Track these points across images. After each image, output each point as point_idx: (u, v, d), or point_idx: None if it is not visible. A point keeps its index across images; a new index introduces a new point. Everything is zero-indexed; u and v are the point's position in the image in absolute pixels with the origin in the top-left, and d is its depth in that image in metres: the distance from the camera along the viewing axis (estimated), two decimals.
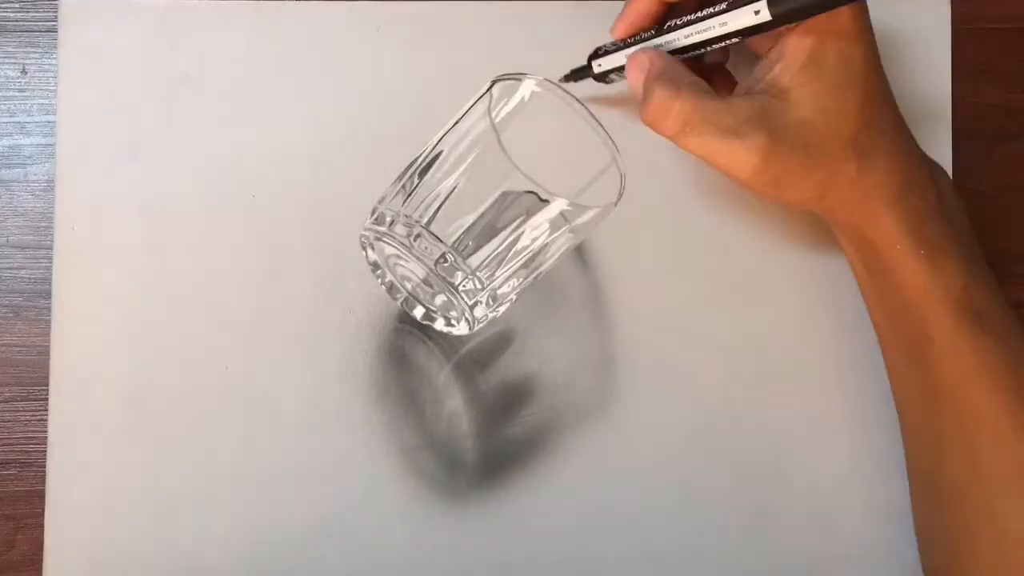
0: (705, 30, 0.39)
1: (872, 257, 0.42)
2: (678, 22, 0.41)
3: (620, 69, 0.43)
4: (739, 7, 0.38)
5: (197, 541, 0.46)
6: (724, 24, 0.39)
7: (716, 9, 0.39)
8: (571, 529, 0.47)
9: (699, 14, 0.40)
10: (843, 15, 0.38)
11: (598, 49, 0.45)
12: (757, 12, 0.38)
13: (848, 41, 0.38)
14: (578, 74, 0.45)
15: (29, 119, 0.49)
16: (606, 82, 0.45)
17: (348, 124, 0.48)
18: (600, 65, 0.44)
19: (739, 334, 0.48)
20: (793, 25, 0.38)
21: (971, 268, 0.41)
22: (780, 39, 0.39)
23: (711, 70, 0.44)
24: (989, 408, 0.40)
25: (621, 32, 0.43)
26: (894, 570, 0.47)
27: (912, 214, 0.41)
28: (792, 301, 0.48)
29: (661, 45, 0.41)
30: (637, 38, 0.42)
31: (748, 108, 0.38)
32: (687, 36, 0.40)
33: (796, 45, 0.38)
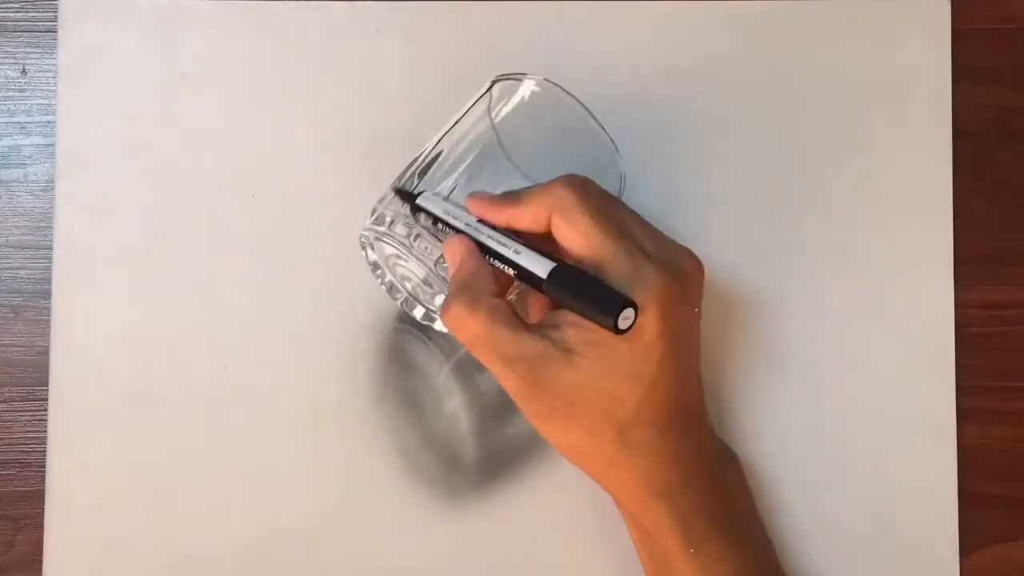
0: (508, 253, 0.39)
1: (648, 541, 0.42)
2: (493, 232, 0.40)
3: (434, 220, 0.41)
4: (531, 254, 0.38)
5: (197, 541, 0.46)
6: (518, 254, 0.39)
7: (514, 244, 0.39)
8: (570, 529, 0.47)
9: (506, 237, 0.39)
10: (642, 318, 0.37)
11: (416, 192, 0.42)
12: (540, 274, 0.37)
13: (645, 340, 0.38)
14: (403, 195, 0.42)
15: (29, 119, 0.49)
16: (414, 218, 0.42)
17: (348, 124, 0.48)
18: (424, 204, 0.41)
19: (738, 334, 0.48)
20: None
21: (744, 566, 0.41)
22: None
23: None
24: None
25: (476, 212, 0.41)
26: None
27: (683, 511, 0.41)
28: (792, 301, 0.48)
29: (480, 233, 0.40)
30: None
31: (530, 348, 0.38)
32: (496, 245, 0.39)
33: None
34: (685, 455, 0.41)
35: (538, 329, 0.39)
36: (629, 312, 0.36)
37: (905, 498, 0.47)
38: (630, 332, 0.36)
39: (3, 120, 0.49)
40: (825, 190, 0.48)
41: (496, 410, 0.47)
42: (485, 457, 0.47)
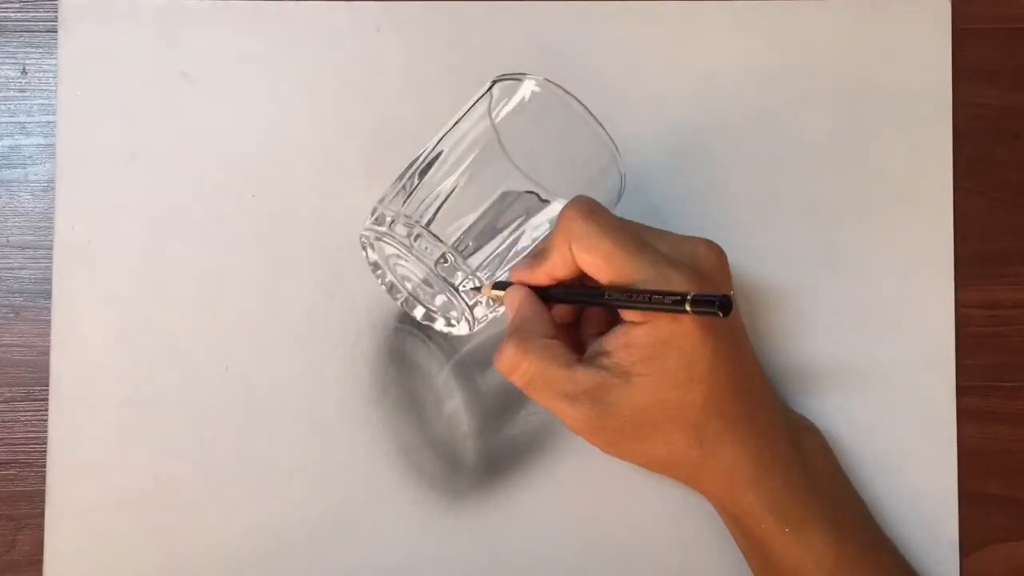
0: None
1: (744, 531, 0.43)
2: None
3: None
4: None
5: (197, 541, 0.46)
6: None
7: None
8: (571, 529, 0.47)
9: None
10: (685, 322, 0.38)
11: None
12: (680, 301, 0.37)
13: (693, 341, 0.38)
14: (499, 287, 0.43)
15: (29, 119, 0.49)
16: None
17: (348, 124, 0.48)
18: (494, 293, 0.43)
19: None
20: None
21: (841, 536, 0.42)
22: (628, 323, 0.39)
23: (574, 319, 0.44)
24: None
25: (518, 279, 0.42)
26: None
27: (773, 494, 0.41)
28: (792, 301, 0.48)
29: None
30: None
31: (587, 380, 0.39)
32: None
33: (643, 336, 0.39)
34: (761, 438, 0.41)
35: (589, 361, 0.39)
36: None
37: (905, 498, 0.47)
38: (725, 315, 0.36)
39: (3, 120, 0.49)
40: (825, 190, 0.48)
41: (496, 410, 0.47)
42: (485, 457, 0.47)
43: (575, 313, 0.43)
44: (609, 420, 0.39)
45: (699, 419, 0.40)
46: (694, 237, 0.41)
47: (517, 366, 0.40)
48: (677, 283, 0.38)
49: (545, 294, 0.41)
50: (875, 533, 0.44)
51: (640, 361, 0.39)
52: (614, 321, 0.40)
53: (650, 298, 0.37)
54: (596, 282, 0.40)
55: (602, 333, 0.41)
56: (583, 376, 0.39)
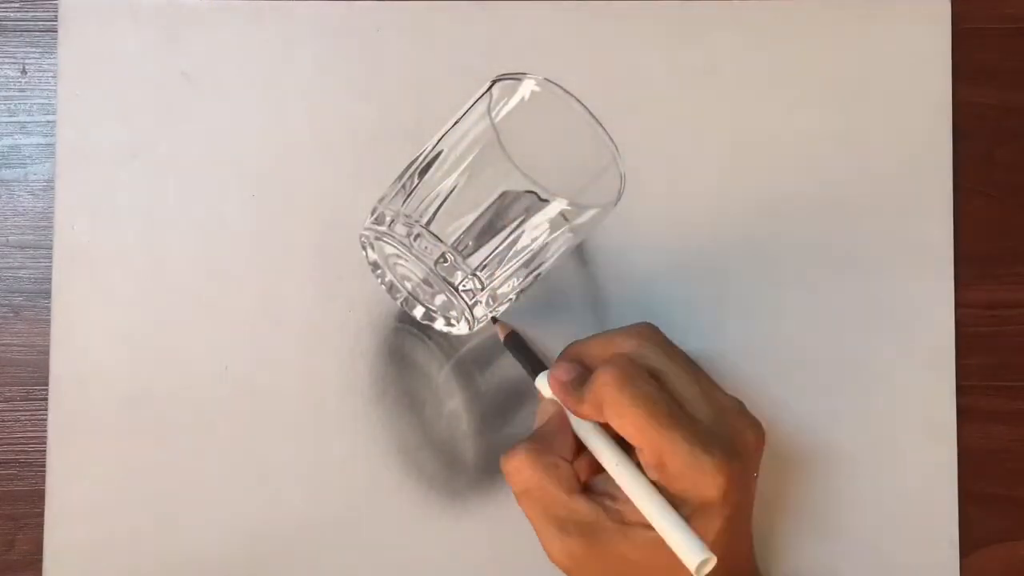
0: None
1: None
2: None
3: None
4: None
5: (197, 541, 0.46)
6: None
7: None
8: None
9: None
10: (710, 486, 0.37)
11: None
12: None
13: (704, 520, 0.38)
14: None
15: (29, 119, 0.49)
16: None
17: (348, 124, 0.48)
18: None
19: (739, 334, 0.48)
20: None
21: None
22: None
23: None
24: None
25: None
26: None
27: None
28: (791, 301, 0.48)
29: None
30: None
31: (584, 513, 0.38)
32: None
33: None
34: None
35: (594, 496, 0.39)
36: (711, 559, 0.36)
37: (905, 498, 0.47)
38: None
39: (3, 120, 0.49)
40: (825, 190, 0.48)
41: (496, 410, 0.47)
42: (485, 457, 0.47)
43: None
44: (590, 559, 0.38)
45: None
46: (740, 411, 0.40)
47: (520, 471, 0.39)
48: (709, 470, 0.37)
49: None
50: None
51: (643, 518, 0.38)
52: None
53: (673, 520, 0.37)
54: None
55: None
56: (581, 507, 0.38)
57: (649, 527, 0.38)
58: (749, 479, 0.40)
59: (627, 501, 0.38)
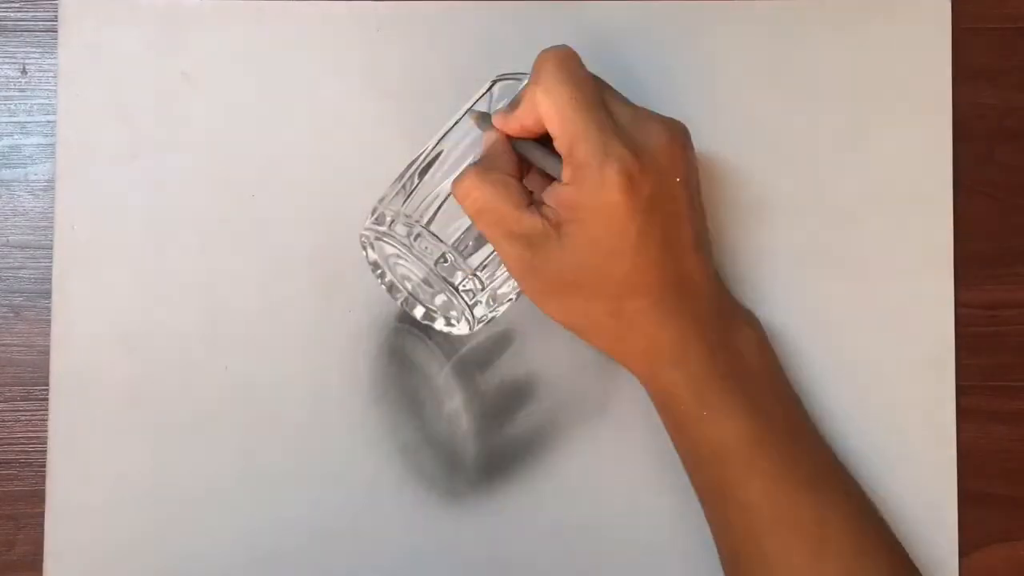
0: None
1: (664, 408, 0.43)
2: None
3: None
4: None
5: (197, 541, 0.46)
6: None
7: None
8: (571, 529, 0.47)
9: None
10: (610, 193, 0.38)
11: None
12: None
13: (619, 215, 0.38)
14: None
15: (29, 119, 0.49)
16: None
17: (348, 124, 0.48)
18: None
19: None
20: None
21: (762, 425, 0.41)
22: (560, 183, 0.39)
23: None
24: (785, 560, 0.41)
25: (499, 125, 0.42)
26: None
27: (692, 377, 0.41)
28: (791, 301, 0.48)
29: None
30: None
31: (530, 225, 0.39)
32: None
33: (567, 196, 0.39)
34: (684, 321, 0.41)
35: (537, 206, 0.40)
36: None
37: (905, 498, 0.47)
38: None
39: (3, 120, 0.49)
40: (825, 190, 0.48)
41: (496, 410, 0.47)
42: (485, 457, 0.47)
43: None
44: (538, 269, 0.40)
45: (618, 291, 0.40)
46: (661, 116, 0.41)
47: (471, 192, 0.39)
48: (614, 156, 0.38)
49: None
50: (801, 423, 0.44)
51: (568, 221, 0.39)
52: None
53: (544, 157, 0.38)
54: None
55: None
56: (527, 220, 0.39)
57: (573, 231, 0.39)
58: (667, 178, 0.40)
59: (552, 202, 0.39)
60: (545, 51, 0.40)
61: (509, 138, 0.41)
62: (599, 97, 0.40)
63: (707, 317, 0.42)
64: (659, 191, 0.39)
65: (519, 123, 0.40)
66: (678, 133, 0.41)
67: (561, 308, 0.41)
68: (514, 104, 0.40)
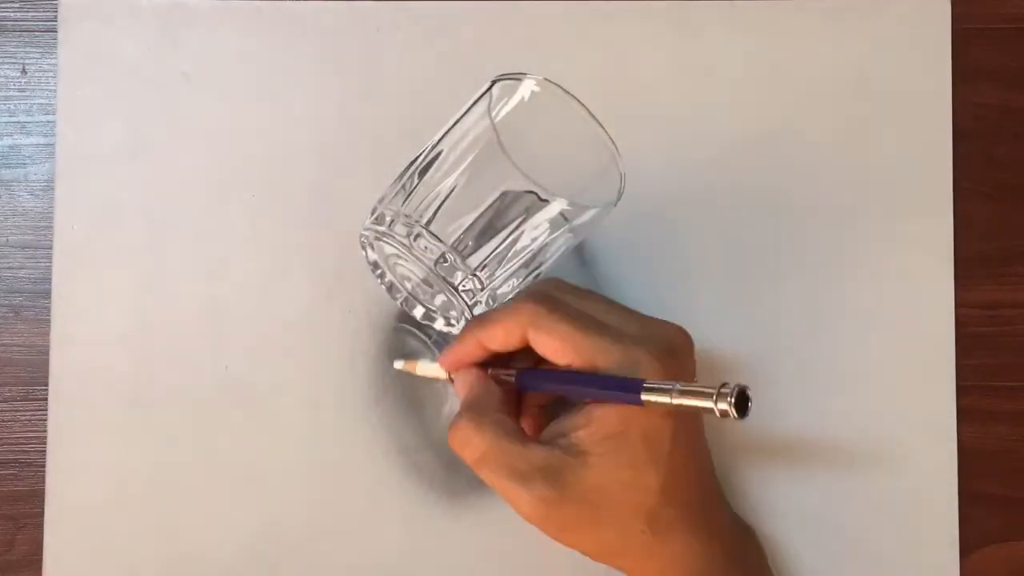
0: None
1: None
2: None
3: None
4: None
5: (197, 541, 0.46)
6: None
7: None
8: None
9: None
10: (645, 374, 0.38)
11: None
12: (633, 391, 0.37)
13: (655, 421, 0.38)
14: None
15: (29, 119, 0.49)
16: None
17: (348, 124, 0.48)
18: (422, 369, 0.45)
19: (739, 334, 0.48)
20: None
21: None
22: (590, 404, 0.39)
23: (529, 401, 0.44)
24: None
25: (448, 366, 0.43)
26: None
27: None
28: (794, 300, 0.48)
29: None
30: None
31: (542, 459, 0.38)
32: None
33: (603, 417, 0.38)
34: (709, 532, 0.41)
35: (545, 441, 0.39)
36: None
37: (905, 498, 0.47)
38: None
39: (3, 120, 0.49)
40: (825, 190, 0.48)
41: None
42: None
43: (514, 410, 0.43)
44: (562, 501, 0.38)
45: (654, 504, 0.39)
46: (664, 321, 0.41)
47: (470, 440, 0.39)
48: (645, 363, 0.38)
49: (507, 382, 0.42)
50: None
51: (600, 440, 0.38)
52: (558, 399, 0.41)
53: (638, 386, 0.36)
54: (548, 364, 0.40)
55: (542, 407, 0.41)
56: (538, 453, 0.38)
57: (604, 450, 0.38)
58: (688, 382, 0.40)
59: (578, 429, 0.39)
60: (527, 294, 0.40)
61: (485, 375, 0.41)
62: (600, 319, 0.40)
63: (726, 527, 0.42)
64: None
65: (483, 341, 0.40)
66: (688, 337, 0.41)
67: (591, 538, 0.40)
68: (479, 323, 0.40)
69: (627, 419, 0.38)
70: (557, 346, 0.39)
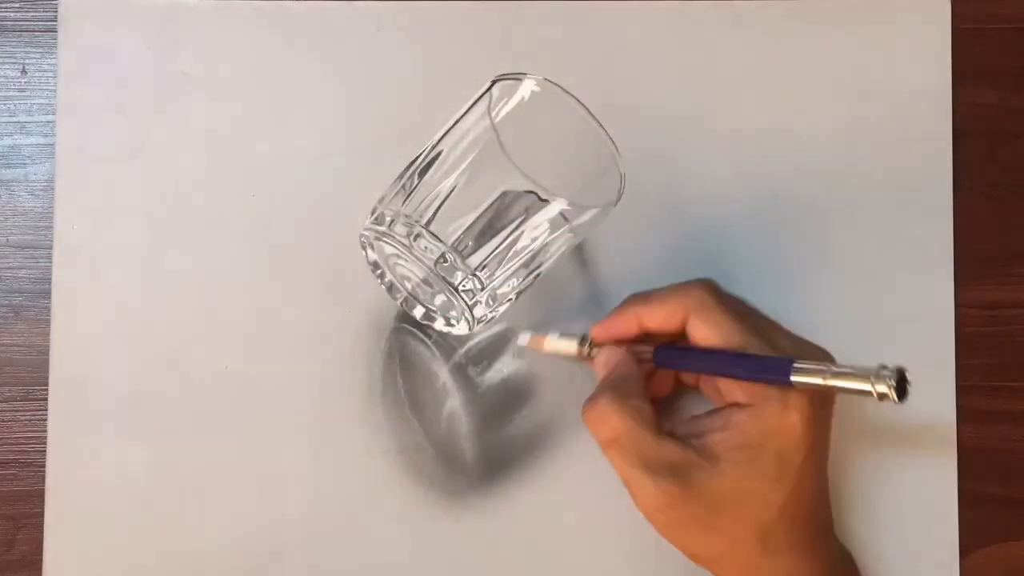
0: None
1: None
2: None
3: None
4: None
5: (197, 541, 0.46)
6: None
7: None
8: (571, 529, 0.47)
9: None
10: (793, 415, 0.38)
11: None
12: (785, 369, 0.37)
13: (795, 436, 0.38)
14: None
15: (29, 119, 0.49)
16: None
17: (348, 124, 0.48)
18: (550, 344, 0.44)
19: None
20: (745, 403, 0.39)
21: None
22: (729, 407, 0.39)
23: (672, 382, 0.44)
24: None
25: (602, 337, 0.43)
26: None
27: None
28: (792, 301, 0.48)
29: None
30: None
31: (674, 454, 0.38)
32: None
33: (742, 423, 0.38)
34: (817, 554, 0.40)
35: (679, 438, 0.39)
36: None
37: (905, 498, 0.47)
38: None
39: (3, 120, 0.49)
40: (825, 190, 0.48)
41: (496, 410, 0.47)
42: (485, 457, 0.47)
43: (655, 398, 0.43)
44: (684, 500, 0.38)
45: (772, 520, 0.38)
46: (815, 344, 0.41)
47: (607, 420, 0.39)
48: (794, 388, 0.38)
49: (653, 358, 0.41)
50: None
51: (736, 447, 0.38)
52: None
53: (829, 372, 0.36)
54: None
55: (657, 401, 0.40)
56: (671, 448, 0.38)
57: (738, 458, 0.38)
58: (830, 409, 0.40)
59: (715, 432, 0.38)
60: (697, 281, 0.41)
61: (632, 357, 0.41)
62: (758, 325, 0.40)
63: (832, 552, 0.42)
64: (824, 420, 0.39)
65: (641, 318, 0.40)
66: (833, 360, 0.41)
67: (703, 542, 0.39)
68: (641, 300, 0.41)
69: (766, 432, 0.38)
70: (715, 336, 0.39)
